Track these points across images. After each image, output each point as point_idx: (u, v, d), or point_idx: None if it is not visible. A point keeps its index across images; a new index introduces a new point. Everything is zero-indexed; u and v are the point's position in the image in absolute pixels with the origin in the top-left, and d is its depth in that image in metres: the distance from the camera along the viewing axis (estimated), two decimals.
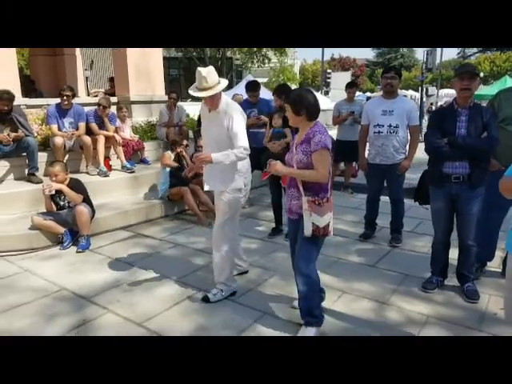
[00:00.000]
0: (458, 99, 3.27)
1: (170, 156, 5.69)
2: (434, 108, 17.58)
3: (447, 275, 3.60)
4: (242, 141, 3.17)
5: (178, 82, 29.12)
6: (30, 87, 8.75)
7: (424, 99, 17.59)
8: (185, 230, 5.13)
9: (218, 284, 3.41)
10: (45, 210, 4.63)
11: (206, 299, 3.34)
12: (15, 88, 5.91)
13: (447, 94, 23.35)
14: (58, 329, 2.99)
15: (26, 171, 5.48)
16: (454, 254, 3.55)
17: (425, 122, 15.36)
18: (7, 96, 5.20)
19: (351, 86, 6.88)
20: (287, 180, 2.85)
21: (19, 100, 6.07)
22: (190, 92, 3.19)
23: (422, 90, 17.88)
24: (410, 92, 28.76)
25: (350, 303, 3.32)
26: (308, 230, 2.68)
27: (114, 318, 3.14)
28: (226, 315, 3.15)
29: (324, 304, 3.24)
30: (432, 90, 20.54)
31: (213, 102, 3.20)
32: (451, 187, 3.28)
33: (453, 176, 3.25)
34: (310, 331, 2.82)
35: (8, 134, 5.21)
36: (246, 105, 5.33)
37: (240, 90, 14.63)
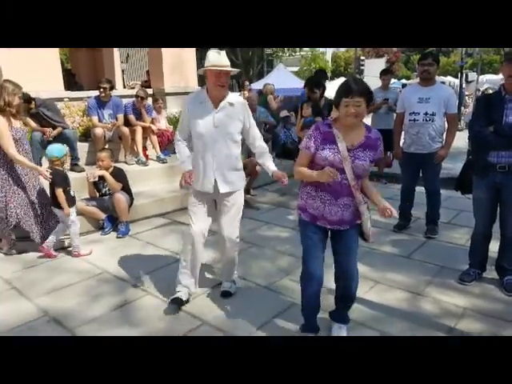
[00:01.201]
0: (506, 86, 3.16)
1: None
2: (471, 97, 16.87)
3: (486, 268, 3.53)
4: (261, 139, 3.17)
5: None
6: (71, 80, 9.07)
7: (463, 86, 16.96)
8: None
9: (229, 278, 3.40)
10: (88, 197, 4.85)
11: (227, 294, 3.32)
12: (58, 82, 6.15)
13: (489, 81, 22.42)
14: (101, 309, 3.16)
15: (68, 161, 5.70)
16: (492, 246, 3.48)
17: (464, 110, 14.88)
18: (28, 96, 5.25)
19: (386, 73, 6.78)
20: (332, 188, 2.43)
21: (62, 93, 6.33)
22: (223, 68, 2.84)
23: (461, 76, 17.26)
24: (449, 78, 27.78)
25: (383, 293, 3.32)
26: (371, 236, 2.57)
27: (153, 300, 3.27)
28: (260, 301, 3.23)
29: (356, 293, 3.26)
30: (472, 75, 19.76)
31: (226, 86, 2.97)
32: (496, 176, 3.19)
33: (498, 165, 3.16)
34: (344, 331, 2.78)
35: (49, 132, 5.39)
36: None
37: (271, 79, 14.61)
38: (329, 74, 24.73)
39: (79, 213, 4.68)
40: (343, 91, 2.33)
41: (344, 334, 2.76)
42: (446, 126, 4.41)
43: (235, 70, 2.96)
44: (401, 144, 4.62)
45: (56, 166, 4.12)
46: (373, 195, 2.53)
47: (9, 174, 4.04)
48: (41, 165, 5.39)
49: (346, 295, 2.65)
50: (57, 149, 4.15)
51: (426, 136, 4.27)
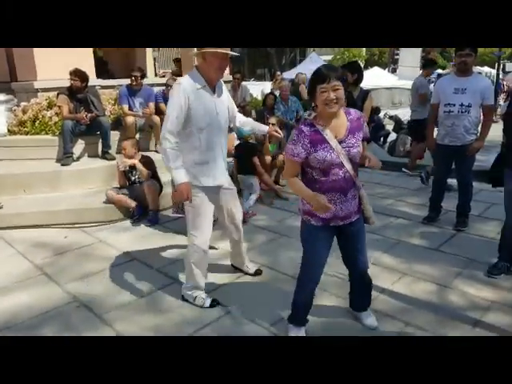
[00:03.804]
0: None
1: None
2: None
3: None
4: None
5: (242, 61, 29.17)
6: (103, 69, 9.24)
7: (501, 76, 16.34)
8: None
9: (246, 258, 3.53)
10: (118, 185, 4.96)
11: (260, 271, 3.51)
12: (90, 69, 6.28)
13: None
14: (129, 296, 3.25)
15: (100, 149, 5.86)
16: None
17: (501, 102, 14.33)
18: (80, 73, 5.56)
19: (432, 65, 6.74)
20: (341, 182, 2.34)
21: (94, 81, 6.48)
22: (230, 52, 2.70)
23: (498, 67, 16.65)
24: (486, 68, 26.81)
25: (411, 285, 3.30)
26: (373, 216, 2.53)
27: (180, 288, 3.31)
28: (284, 291, 3.24)
29: (382, 284, 3.25)
30: (510, 66, 19.05)
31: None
32: None
33: None
34: (374, 318, 2.81)
35: (86, 115, 5.59)
36: None
37: (304, 68, 14.48)
38: (362, 64, 24.22)
39: (109, 201, 4.84)
40: (317, 79, 2.20)
41: (375, 321, 2.78)
42: (482, 117, 4.28)
43: (237, 55, 2.87)
44: (434, 135, 4.51)
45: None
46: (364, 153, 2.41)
47: None
48: (72, 154, 5.59)
49: (367, 282, 2.70)
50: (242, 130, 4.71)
51: (461, 128, 4.15)
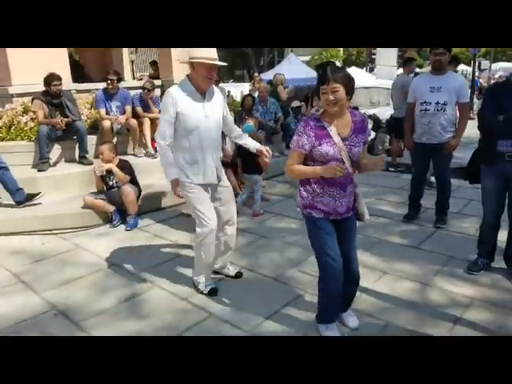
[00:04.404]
0: None
1: None
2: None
3: (494, 258, 3.49)
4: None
5: None
6: (79, 72, 9.07)
7: (476, 74, 16.66)
8: None
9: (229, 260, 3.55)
10: (96, 190, 4.86)
11: (241, 274, 3.51)
12: (66, 74, 6.17)
13: (502, 68, 22.00)
14: (109, 302, 3.19)
15: (77, 154, 5.75)
16: (501, 236, 3.44)
17: (475, 99, 14.61)
18: (58, 76, 5.48)
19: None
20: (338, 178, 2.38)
21: (69, 85, 6.36)
22: (218, 63, 2.89)
23: (474, 65, 16.99)
24: (462, 66, 27.33)
25: (392, 283, 3.31)
26: (367, 213, 2.62)
27: (160, 293, 3.30)
28: (268, 292, 3.24)
29: (364, 284, 3.25)
30: (485, 63, 19.45)
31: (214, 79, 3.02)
32: (504, 166, 3.14)
33: (507, 154, 3.11)
34: (355, 318, 2.82)
35: (61, 120, 5.48)
36: None
37: (282, 69, 14.49)
38: (340, 64, 24.40)
39: (87, 206, 4.75)
40: (319, 80, 2.35)
41: (357, 321, 2.78)
42: (458, 115, 4.34)
43: (225, 64, 3.01)
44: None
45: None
46: (362, 161, 2.55)
47: None
48: (48, 159, 5.48)
49: (354, 279, 2.65)
50: (248, 126, 5.32)
51: (438, 126, 4.20)
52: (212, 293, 3.21)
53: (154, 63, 9.59)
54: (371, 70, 23.30)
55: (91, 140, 5.93)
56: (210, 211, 3.09)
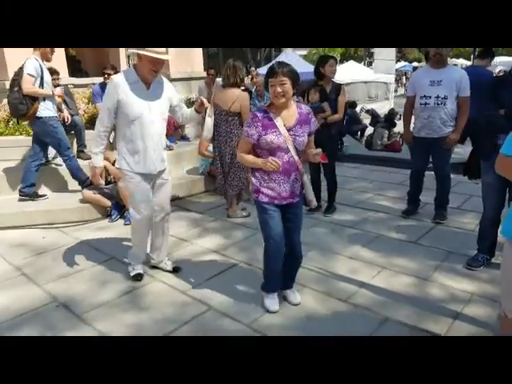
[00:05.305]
0: None
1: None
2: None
3: (494, 253, 3.47)
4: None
5: (217, 58, 28.97)
6: (76, 67, 9.04)
7: None
8: (224, 204, 5.21)
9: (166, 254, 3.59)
10: (93, 185, 4.83)
11: (179, 268, 3.53)
12: (62, 68, 6.13)
13: (502, 63, 21.92)
14: (109, 294, 3.19)
15: (75, 148, 5.73)
16: None
17: None
18: (55, 70, 5.46)
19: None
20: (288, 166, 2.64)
21: (67, 80, 6.32)
22: (163, 57, 2.87)
23: (473, 59, 16.95)
24: (461, 61, 27.28)
25: (390, 278, 3.30)
26: (314, 199, 2.83)
27: (160, 286, 3.29)
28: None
29: (362, 278, 3.25)
30: None
31: (160, 72, 3.02)
32: None
33: None
34: (298, 294, 3.03)
35: (59, 115, 5.43)
36: None
37: None
38: (338, 58, 24.27)
39: (86, 201, 4.75)
40: (268, 73, 2.53)
41: (299, 297, 2.99)
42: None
43: (169, 58, 2.99)
44: (411, 128, 4.53)
45: None
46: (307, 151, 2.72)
47: None
48: (47, 155, 5.45)
49: (297, 256, 2.88)
50: None
51: (438, 120, 4.17)
52: (137, 277, 3.35)
53: None
54: (369, 65, 23.22)
55: (89, 135, 5.86)
56: (145, 201, 3.18)
